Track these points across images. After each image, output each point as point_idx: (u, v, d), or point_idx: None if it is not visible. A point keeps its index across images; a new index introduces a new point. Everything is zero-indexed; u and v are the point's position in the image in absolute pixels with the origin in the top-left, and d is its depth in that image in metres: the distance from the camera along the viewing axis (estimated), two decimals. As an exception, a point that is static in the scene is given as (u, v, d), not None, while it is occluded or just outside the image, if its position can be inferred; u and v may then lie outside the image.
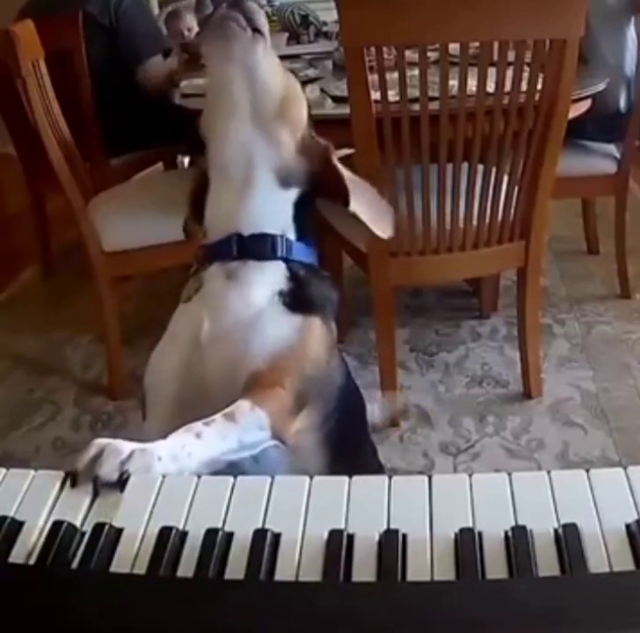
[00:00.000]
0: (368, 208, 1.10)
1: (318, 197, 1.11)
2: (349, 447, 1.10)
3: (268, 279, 1.03)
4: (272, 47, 1.05)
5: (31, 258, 3.18)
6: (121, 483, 0.71)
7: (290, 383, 0.96)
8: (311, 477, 0.69)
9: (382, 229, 1.12)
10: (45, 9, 2.68)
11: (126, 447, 0.75)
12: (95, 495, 0.69)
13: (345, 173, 1.09)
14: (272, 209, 1.05)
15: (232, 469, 0.84)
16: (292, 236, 1.07)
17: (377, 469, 1.36)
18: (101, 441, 0.75)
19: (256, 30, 1.02)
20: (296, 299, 1.03)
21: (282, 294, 1.03)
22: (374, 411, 1.52)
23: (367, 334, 2.38)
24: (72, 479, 0.70)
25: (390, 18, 1.67)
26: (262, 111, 1.03)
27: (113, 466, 0.72)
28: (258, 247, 1.04)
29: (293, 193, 1.07)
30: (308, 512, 0.65)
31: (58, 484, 0.71)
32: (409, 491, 0.67)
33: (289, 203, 1.07)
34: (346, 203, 1.07)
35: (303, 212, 1.09)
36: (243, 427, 0.89)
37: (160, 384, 1.04)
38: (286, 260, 1.05)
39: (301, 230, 1.08)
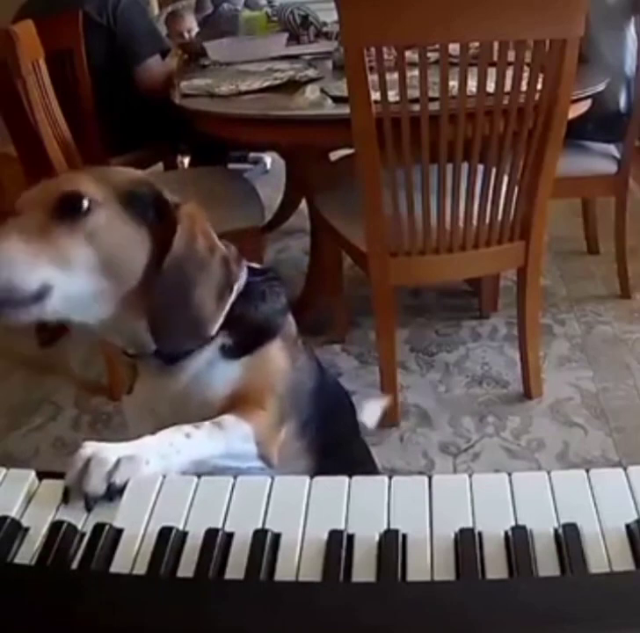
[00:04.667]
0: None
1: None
2: (336, 450, 1.08)
3: (202, 358, 0.97)
4: None
5: (31, 258, 3.18)
6: (110, 494, 0.70)
7: (268, 404, 0.95)
8: (311, 477, 0.69)
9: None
10: (44, 9, 2.67)
11: (111, 455, 0.73)
12: (88, 510, 0.69)
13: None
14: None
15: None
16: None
17: (371, 469, 1.36)
18: (86, 451, 0.74)
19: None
20: (240, 343, 0.97)
21: (224, 348, 0.96)
22: (367, 415, 1.51)
23: (367, 334, 2.38)
24: (64, 496, 0.70)
25: (390, 18, 1.67)
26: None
27: (100, 479, 0.70)
28: (178, 352, 0.96)
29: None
30: (308, 512, 0.65)
31: (58, 484, 0.71)
32: (409, 491, 0.67)
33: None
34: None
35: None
36: (230, 434, 0.88)
37: (135, 420, 1.04)
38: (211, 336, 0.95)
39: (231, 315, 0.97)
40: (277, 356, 1.00)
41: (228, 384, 0.96)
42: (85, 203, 0.86)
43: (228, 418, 0.90)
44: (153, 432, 0.84)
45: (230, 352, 0.97)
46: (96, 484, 0.70)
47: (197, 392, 0.96)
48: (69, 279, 0.85)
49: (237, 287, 0.97)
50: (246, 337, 0.98)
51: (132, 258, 0.89)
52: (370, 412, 1.55)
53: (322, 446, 1.05)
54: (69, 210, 0.86)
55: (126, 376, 1.04)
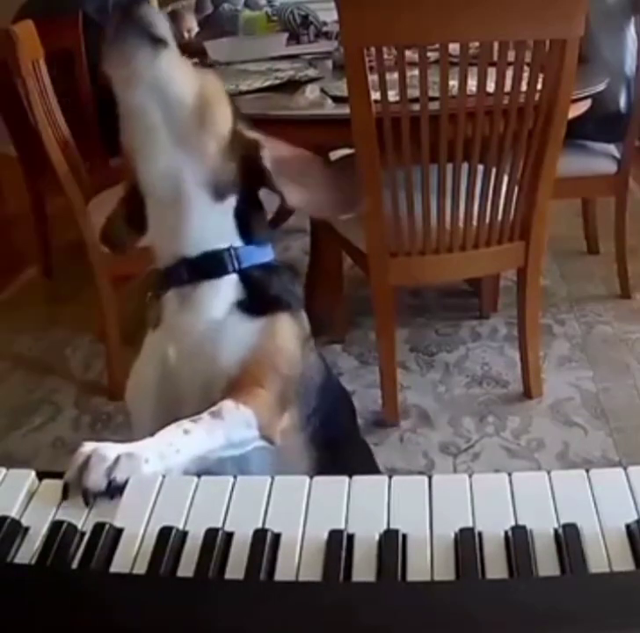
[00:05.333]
0: (313, 196, 1.04)
1: (261, 188, 1.05)
2: (336, 449, 1.09)
3: (223, 294, 1.01)
4: (177, 53, 0.96)
5: (31, 258, 3.18)
6: (111, 491, 0.70)
7: (269, 383, 0.96)
8: (311, 477, 0.69)
9: (345, 207, 1.08)
10: (44, 9, 2.68)
11: (111, 452, 0.74)
12: (87, 505, 0.69)
13: (274, 175, 1.01)
14: (213, 224, 1.02)
15: (217, 471, 0.84)
16: (240, 242, 1.04)
17: (372, 470, 1.35)
18: (87, 449, 0.75)
19: (156, 39, 0.92)
20: (257, 303, 1.02)
21: (241, 303, 1.01)
22: None
23: (367, 334, 2.38)
24: (64, 491, 0.70)
25: (390, 18, 1.67)
26: (178, 125, 0.96)
27: (100, 475, 0.71)
28: (207, 267, 1.01)
29: (230, 202, 1.02)
30: (308, 512, 0.65)
31: (58, 484, 0.71)
32: (409, 491, 0.67)
33: (229, 213, 1.03)
34: (284, 201, 1.02)
35: (247, 214, 1.04)
36: (230, 424, 0.89)
37: (139, 402, 1.04)
38: (238, 271, 1.03)
39: (248, 234, 1.04)
40: (287, 331, 1.02)
41: (239, 346, 0.98)
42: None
43: (227, 406, 0.90)
44: (161, 385, 0.94)
45: (246, 310, 1.01)
46: (96, 480, 0.70)
47: (210, 344, 0.99)
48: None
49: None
50: (262, 299, 1.02)
51: (223, 125, 1.00)
52: None
53: (324, 440, 1.06)
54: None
55: (149, 318, 1.06)
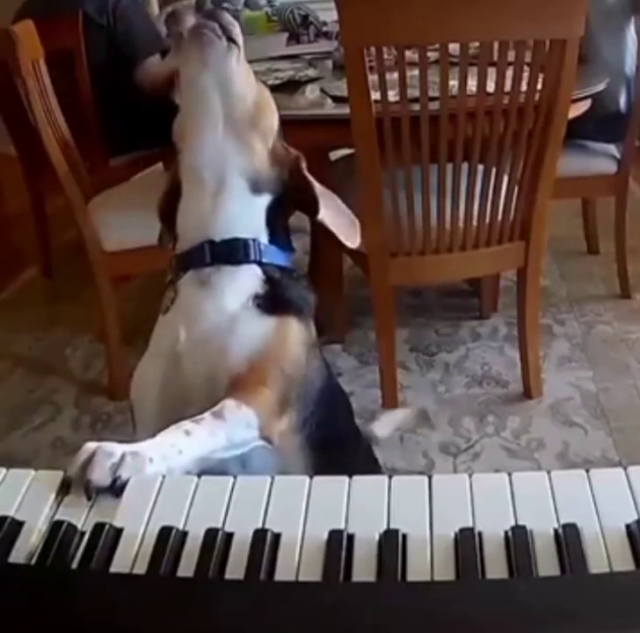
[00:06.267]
0: (336, 219, 1.12)
1: (290, 206, 1.12)
2: (334, 452, 1.09)
3: (242, 283, 1.04)
4: (245, 58, 1.07)
5: (31, 258, 3.18)
6: (115, 488, 0.70)
7: (272, 383, 0.97)
8: (311, 477, 0.69)
9: (350, 239, 1.16)
10: (44, 9, 2.67)
11: (117, 449, 0.75)
12: (89, 500, 0.69)
13: (315, 184, 1.11)
14: (244, 214, 1.06)
15: (218, 470, 0.84)
16: (265, 239, 1.07)
17: (374, 470, 1.35)
18: (92, 445, 0.75)
19: (231, 39, 1.04)
20: (271, 301, 1.04)
21: (257, 298, 1.03)
22: (379, 426, 1.51)
23: (367, 334, 2.38)
24: (66, 486, 0.70)
25: (390, 18, 1.67)
26: (235, 118, 1.05)
27: (105, 470, 0.71)
28: (230, 252, 1.04)
29: (265, 199, 1.08)
30: (308, 513, 0.65)
31: (58, 484, 0.71)
32: (409, 491, 0.67)
33: (261, 208, 1.07)
34: (315, 213, 1.09)
35: (276, 217, 1.09)
36: (232, 425, 0.89)
37: (144, 398, 1.05)
38: (259, 263, 1.06)
39: (274, 234, 1.09)
40: (296, 335, 1.04)
41: (248, 341, 0.99)
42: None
43: (229, 406, 0.91)
44: (166, 381, 0.98)
45: (260, 305, 1.03)
46: (101, 475, 0.71)
47: (221, 333, 1.00)
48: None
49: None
50: (276, 298, 1.05)
51: (271, 127, 1.11)
52: (384, 423, 1.55)
53: (318, 445, 1.06)
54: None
55: (163, 303, 1.09)
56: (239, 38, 1.05)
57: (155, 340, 1.07)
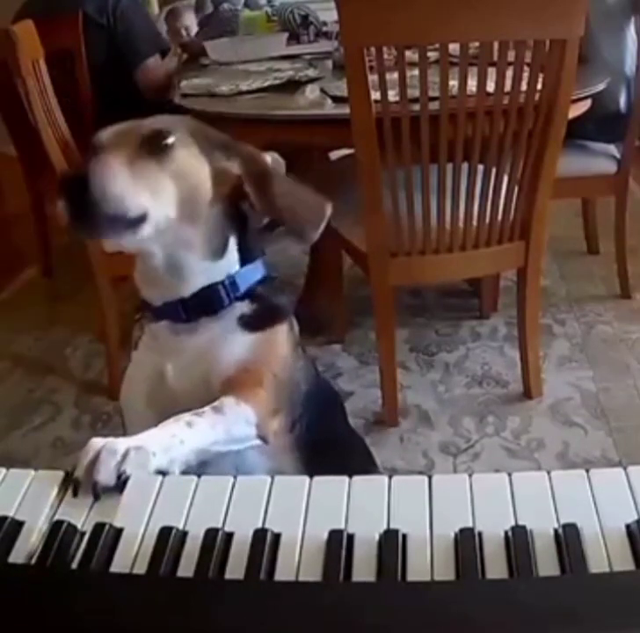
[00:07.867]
0: (293, 213, 1.05)
1: (252, 218, 1.05)
2: (326, 453, 1.09)
3: (225, 321, 1.01)
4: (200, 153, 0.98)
5: (31, 258, 3.18)
6: (119, 485, 0.71)
7: (267, 385, 0.97)
8: (311, 477, 0.69)
9: (306, 233, 1.05)
10: (44, 9, 2.68)
11: (120, 446, 0.75)
12: (96, 499, 0.69)
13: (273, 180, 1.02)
14: (209, 276, 1.01)
15: (211, 469, 0.84)
16: (236, 267, 1.02)
17: (372, 469, 1.35)
18: (96, 444, 0.75)
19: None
20: (257, 318, 1.02)
21: (242, 318, 1.01)
22: None
23: (367, 334, 2.38)
24: (74, 488, 0.70)
25: (390, 18, 1.67)
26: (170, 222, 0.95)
27: (110, 469, 0.72)
28: (205, 305, 1.00)
29: (226, 253, 1.02)
30: (308, 513, 0.65)
31: (58, 484, 0.71)
32: (409, 491, 0.67)
33: (224, 260, 1.02)
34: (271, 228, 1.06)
35: (240, 240, 1.03)
36: (231, 420, 0.90)
37: (133, 406, 1.05)
38: (236, 298, 1.02)
39: (243, 255, 1.03)
40: (284, 341, 1.04)
41: (237, 356, 0.99)
42: (171, 140, 0.94)
43: (228, 402, 0.91)
44: (154, 396, 0.95)
45: (246, 324, 1.01)
46: (107, 475, 0.71)
47: (207, 357, 0.99)
48: (162, 209, 0.92)
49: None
50: (262, 314, 1.03)
51: (206, 194, 0.98)
52: None
53: (310, 443, 1.06)
54: (156, 146, 0.93)
55: (134, 335, 1.07)
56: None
57: (136, 369, 1.05)
